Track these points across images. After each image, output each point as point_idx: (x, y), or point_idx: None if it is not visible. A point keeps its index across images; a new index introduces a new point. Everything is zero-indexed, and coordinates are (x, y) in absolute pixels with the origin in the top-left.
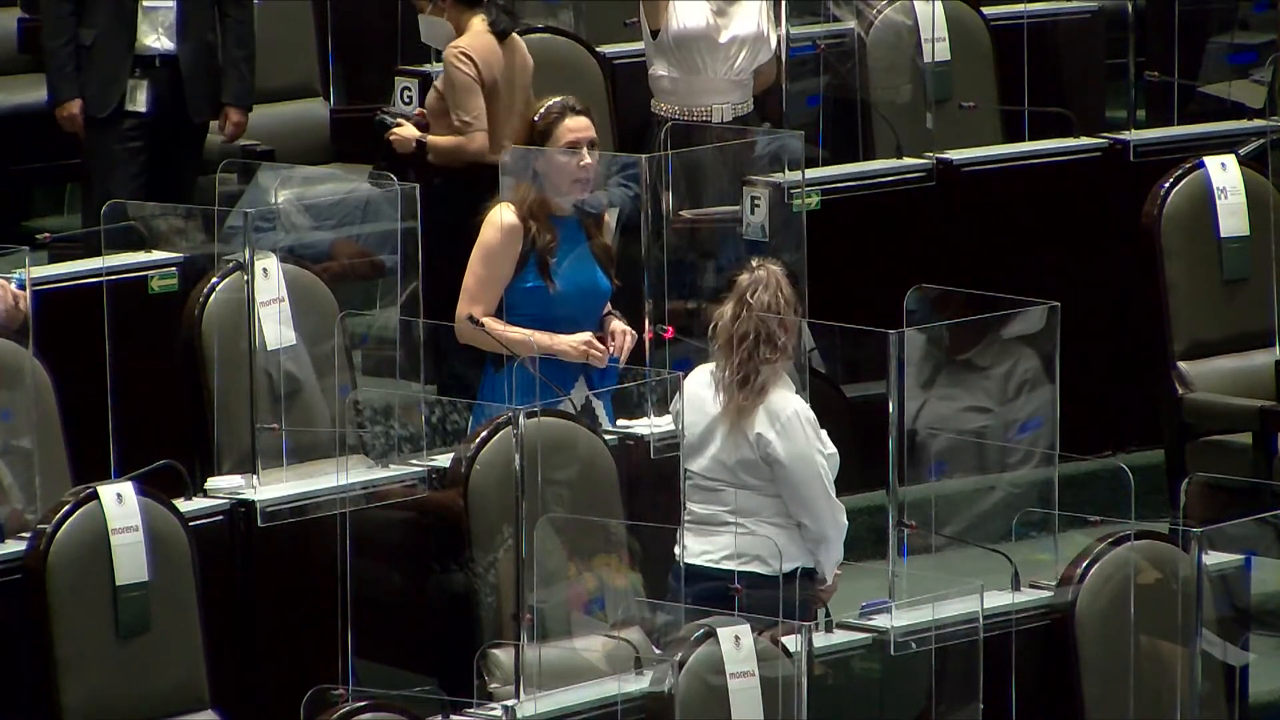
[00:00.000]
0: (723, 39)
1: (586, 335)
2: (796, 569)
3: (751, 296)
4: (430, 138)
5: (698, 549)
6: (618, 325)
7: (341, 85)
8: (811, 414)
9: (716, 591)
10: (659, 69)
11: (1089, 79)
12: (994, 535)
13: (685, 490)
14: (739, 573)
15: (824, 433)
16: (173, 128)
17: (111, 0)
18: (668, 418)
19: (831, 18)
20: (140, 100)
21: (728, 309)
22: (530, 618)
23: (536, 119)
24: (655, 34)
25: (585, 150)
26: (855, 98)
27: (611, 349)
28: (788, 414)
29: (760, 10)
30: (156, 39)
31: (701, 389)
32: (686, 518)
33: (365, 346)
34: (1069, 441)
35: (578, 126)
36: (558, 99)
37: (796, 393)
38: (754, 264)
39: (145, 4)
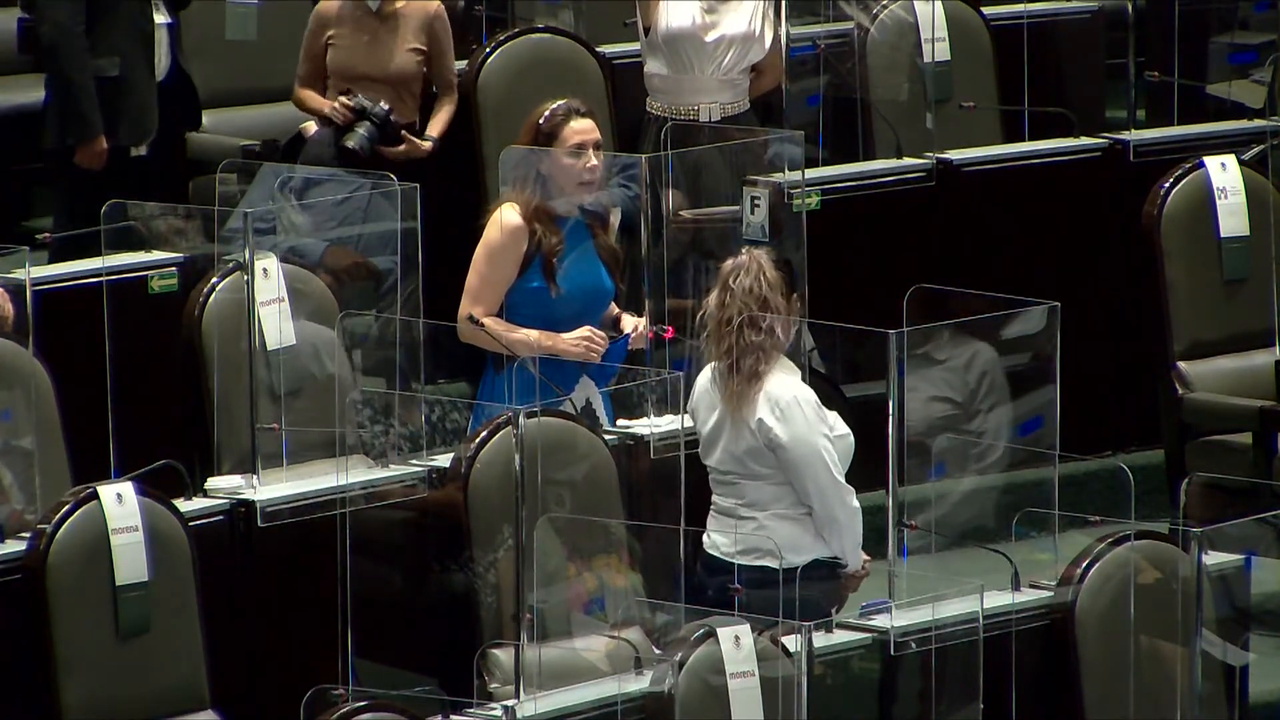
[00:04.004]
0: (710, 38)
1: (585, 330)
2: (811, 561)
3: (734, 282)
4: (439, 124)
5: (719, 541)
6: (629, 318)
7: None
8: (813, 397)
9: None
10: (651, 67)
11: (1089, 79)
12: (994, 535)
13: (711, 482)
14: (745, 566)
15: (833, 415)
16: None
17: (129, 24)
18: (668, 418)
19: (833, 17)
20: None
21: (713, 297)
22: (530, 618)
23: (541, 121)
24: (648, 31)
25: (591, 152)
26: (855, 98)
27: (626, 334)
28: (787, 399)
29: (754, 10)
30: (157, 60)
31: (708, 383)
32: (712, 509)
33: (365, 346)
34: (1069, 441)
35: (583, 129)
36: (562, 101)
37: (802, 379)
38: (741, 251)
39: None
